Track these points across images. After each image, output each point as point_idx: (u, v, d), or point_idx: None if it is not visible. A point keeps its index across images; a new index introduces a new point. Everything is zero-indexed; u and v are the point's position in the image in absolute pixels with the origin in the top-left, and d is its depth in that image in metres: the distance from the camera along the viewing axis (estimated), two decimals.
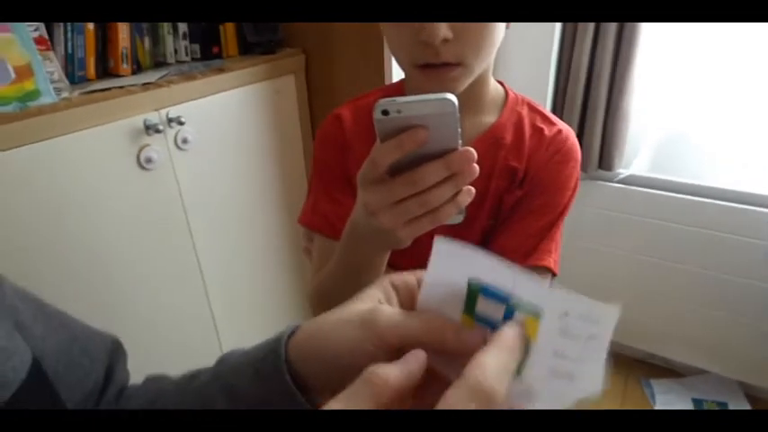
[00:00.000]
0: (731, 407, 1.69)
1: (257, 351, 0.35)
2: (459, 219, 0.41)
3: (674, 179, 1.54)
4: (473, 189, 0.40)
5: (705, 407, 1.70)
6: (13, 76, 0.81)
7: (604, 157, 1.52)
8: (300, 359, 0.32)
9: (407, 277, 0.33)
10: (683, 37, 1.42)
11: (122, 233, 0.97)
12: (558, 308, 0.28)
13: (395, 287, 0.33)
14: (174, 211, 1.06)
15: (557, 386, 0.29)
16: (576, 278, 1.74)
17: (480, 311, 0.29)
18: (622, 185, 1.57)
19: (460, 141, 0.37)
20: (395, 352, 0.29)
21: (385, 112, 0.35)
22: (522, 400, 0.28)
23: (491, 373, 0.24)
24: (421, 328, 0.29)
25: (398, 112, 0.35)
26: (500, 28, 0.54)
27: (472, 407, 0.22)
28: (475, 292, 0.29)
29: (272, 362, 0.32)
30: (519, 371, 0.28)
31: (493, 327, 0.29)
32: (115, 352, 0.41)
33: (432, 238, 0.47)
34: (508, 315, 0.29)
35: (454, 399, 0.22)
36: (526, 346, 0.28)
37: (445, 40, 0.50)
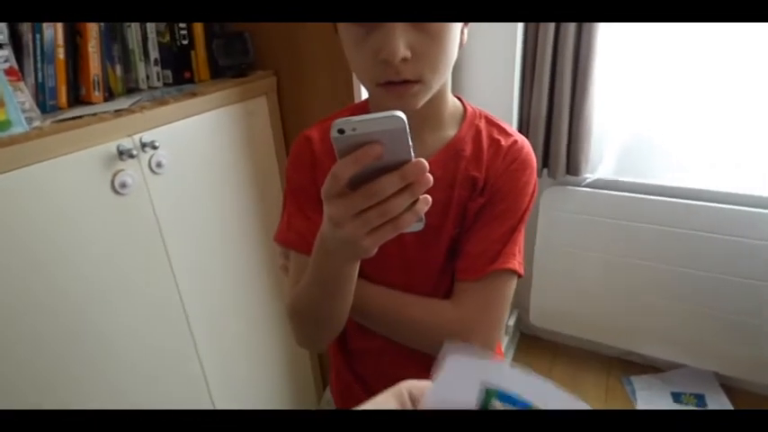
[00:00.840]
0: (708, 398, 1.74)
1: None
2: (419, 226, 0.44)
3: (638, 181, 1.61)
4: (429, 198, 0.43)
5: (683, 399, 1.75)
6: None
7: (571, 163, 1.58)
8: None
9: (425, 385, 0.32)
10: (640, 40, 1.50)
11: (98, 258, 0.97)
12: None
13: (411, 396, 0.32)
14: (151, 234, 1.07)
15: None
16: (550, 279, 1.79)
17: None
18: (590, 189, 1.64)
19: (413, 153, 0.41)
20: None
21: (341, 131, 0.38)
22: None
23: None
24: None
25: (353, 130, 0.38)
26: (455, 46, 0.58)
27: None
28: (491, 396, 0.29)
29: None
30: None
31: None
32: None
33: (396, 246, 0.49)
34: None
35: None
36: None
37: (404, 59, 0.53)
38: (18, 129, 0.86)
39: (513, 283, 0.67)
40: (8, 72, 0.87)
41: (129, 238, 1.02)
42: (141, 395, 1.10)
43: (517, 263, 0.66)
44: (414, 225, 0.43)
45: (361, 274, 0.67)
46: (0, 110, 0.84)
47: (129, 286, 1.04)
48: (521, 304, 1.98)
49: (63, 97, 1.04)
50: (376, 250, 0.46)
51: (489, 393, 0.29)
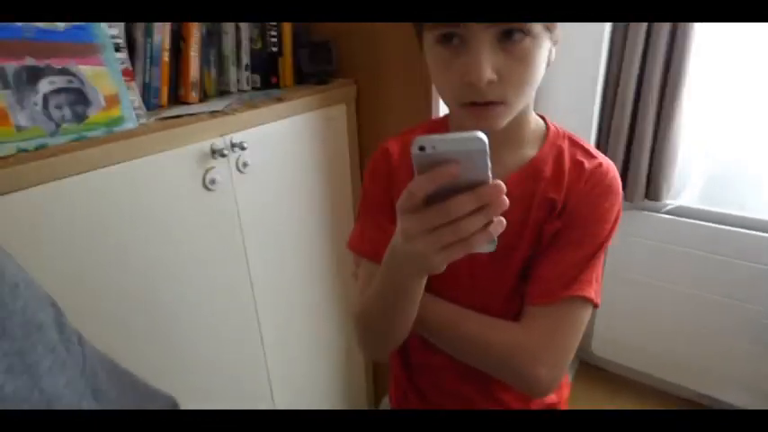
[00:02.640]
0: None
1: None
2: (491, 248, 0.44)
3: (723, 211, 1.50)
4: (504, 220, 0.43)
5: None
6: (103, 104, 0.89)
7: (651, 187, 1.51)
8: None
9: None
10: (732, 63, 1.41)
11: (183, 248, 1.03)
12: None
13: None
14: (232, 229, 1.12)
15: None
16: (618, 308, 1.71)
17: None
18: (670, 216, 1.55)
19: (491, 175, 0.41)
20: None
21: (421, 148, 0.39)
22: None
23: None
24: None
25: (434, 148, 0.39)
26: (541, 67, 0.57)
27: None
28: None
29: None
30: None
31: None
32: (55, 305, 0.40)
33: (467, 264, 0.49)
34: None
35: None
36: None
37: (489, 82, 0.53)
38: (129, 125, 0.93)
39: (587, 313, 0.64)
40: (124, 73, 0.95)
41: (213, 231, 1.08)
42: (206, 385, 1.15)
43: (593, 291, 0.63)
44: (486, 246, 0.43)
45: (429, 290, 0.67)
46: (116, 107, 0.91)
47: (206, 275, 1.09)
48: (584, 332, 1.89)
49: (164, 97, 1.12)
50: (445, 267, 0.46)
51: None
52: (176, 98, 1.16)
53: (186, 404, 1.09)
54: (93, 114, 0.88)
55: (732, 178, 1.52)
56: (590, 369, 1.95)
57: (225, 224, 1.11)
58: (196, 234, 1.05)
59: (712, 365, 1.63)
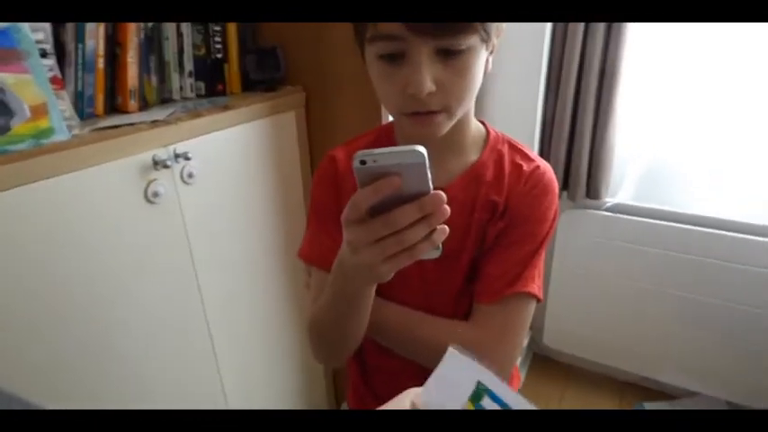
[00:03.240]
0: None
1: None
2: (436, 254, 0.46)
3: (658, 207, 1.61)
4: (446, 228, 0.45)
5: None
6: (28, 114, 0.83)
7: (592, 186, 1.59)
8: None
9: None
10: (665, 65, 1.51)
11: (128, 264, 0.98)
12: None
13: (413, 405, 0.37)
14: (179, 242, 1.08)
15: None
16: (566, 301, 1.79)
17: (482, 404, 0.36)
18: (609, 213, 1.64)
19: (432, 185, 0.42)
20: None
21: (363, 162, 0.40)
22: None
23: None
24: None
25: (374, 162, 0.40)
26: (478, 77, 0.60)
27: None
28: (482, 392, 0.36)
29: None
30: None
31: None
32: None
33: (416, 269, 0.50)
34: None
35: None
36: None
37: (430, 93, 0.55)
38: (60, 136, 0.87)
39: (531, 307, 0.68)
40: (52, 80, 0.89)
41: (159, 245, 1.04)
42: (160, 402, 1.10)
43: (536, 287, 0.66)
44: (430, 252, 0.45)
45: (381, 295, 0.69)
46: (44, 117, 0.85)
47: (154, 290, 1.05)
48: (534, 325, 1.97)
49: (100, 106, 1.06)
50: (392, 275, 0.48)
51: (480, 390, 0.35)
52: (114, 107, 1.10)
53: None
54: (18, 126, 0.82)
55: (663, 176, 1.63)
56: (542, 360, 2.03)
57: (171, 237, 1.06)
58: (140, 249, 1.00)
59: (651, 349, 1.74)
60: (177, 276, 1.09)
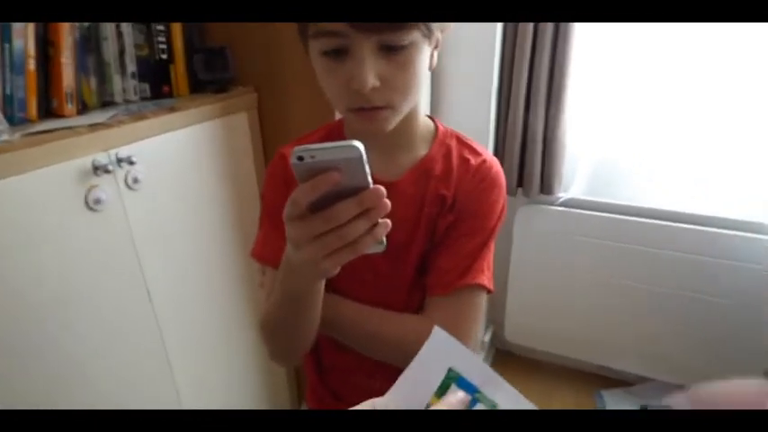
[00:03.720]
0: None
1: None
2: (380, 248, 0.45)
3: (609, 201, 1.67)
4: (389, 222, 0.45)
5: None
6: None
7: (545, 182, 1.63)
8: None
9: (388, 401, 0.38)
10: (614, 62, 1.57)
11: (71, 275, 0.93)
12: (508, 403, 0.35)
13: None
14: (125, 250, 1.03)
15: None
16: (525, 296, 1.83)
17: (449, 399, 0.36)
18: (562, 208, 1.69)
19: (371, 180, 0.42)
20: None
21: (300, 158, 0.39)
22: None
23: None
24: None
25: (312, 157, 0.39)
26: (422, 72, 0.60)
27: None
28: (451, 379, 0.36)
29: None
30: None
31: None
32: None
33: (366, 263, 0.50)
34: (472, 404, 0.36)
35: None
36: None
37: (374, 88, 0.55)
38: None
39: (482, 299, 0.69)
40: None
41: (104, 254, 0.99)
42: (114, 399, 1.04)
43: (486, 279, 0.68)
44: (374, 247, 0.45)
45: (333, 290, 0.68)
46: None
47: (102, 302, 0.99)
48: (496, 320, 2.00)
49: (33, 109, 0.99)
50: (338, 271, 0.48)
51: (449, 377, 0.36)
52: (49, 111, 1.04)
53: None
54: None
55: (612, 171, 1.69)
56: (505, 355, 2.06)
57: (116, 245, 1.01)
58: (84, 257, 0.95)
59: (608, 339, 1.80)
60: (125, 284, 1.04)
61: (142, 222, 1.05)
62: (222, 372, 1.37)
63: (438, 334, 0.37)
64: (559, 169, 1.61)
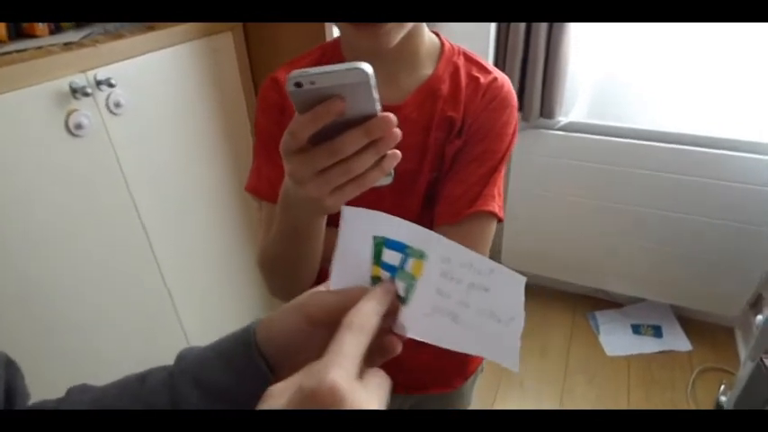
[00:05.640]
0: (664, 329, 1.87)
1: (226, 343, 0.38)
2: (387, 181, 0.42)
3: (610, 124, 1.63)
4: (398, 153, 0.41)
5: (642, 331, 1.88)
6: None
7: (545, 106, 1.58)
8: (262, 348, 0.37)
9: (333, 284, 0.39)
10: None
11: (57, 203, 0.92)
12: (440, 253, 0.36)
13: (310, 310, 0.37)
14: (112, 176, 1.01)
15: (441, 322, 0.36)
16: (522, 221, 1.84)
17: (385, 260, 0.36)
18: (563, 132, 1.65)
19: (379, 107, 0.37)
20: (327, 327, 0.34)
21: (298, 85, 0.34)
22: (407, 326, 0.36)
23: (362, 313, 0.32)
24: (338, 299, 0.35)
25: (312, 83, 0.34)
26: None
27: (350, 335, 0.30)
28: (380, 245, 0.36)
29: (243, 352, 0.37)
30: (405, 301, 0.36)
31: (394, 270, 0.37)
32: (10, 368, 0.39)
33: (371, 193, 0.49)
34: (404, 260, 0.36)
35: (339, 333, 0.30)
36: (411, 282, 0.36)
37: None
38: None
39: (492, 226, 0.66)
40: None
41: (90, 181, 0.97)
42: (111, 334, 1.09)
43: (497, 206, 0.65)
44: (381, 180, 0.41)
45: (335, 223, 0.66)
46: None
47: (92, 228, 1.00)
48: (493, 246, 2.02)
49: (1, 29, 0.93)
50: (340, 207, 0.44)
51: (378, 244, 0.36)
52: (19, 31, 0.98)
53: (100, 364, 1.03)
54: None
55: (615, 93, 1.63)
56: None
57: (103, 173, 0.99)
58: (69, 186, 0.93)
59: (602, 262, 1.83)
60: (117, 213, 1.04)
61: (128, 148, 1.02)
62: (220, 299, 1.39)
63: (348, 211, 0.37)
64: (560, 92, 1.55)
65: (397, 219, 0.36)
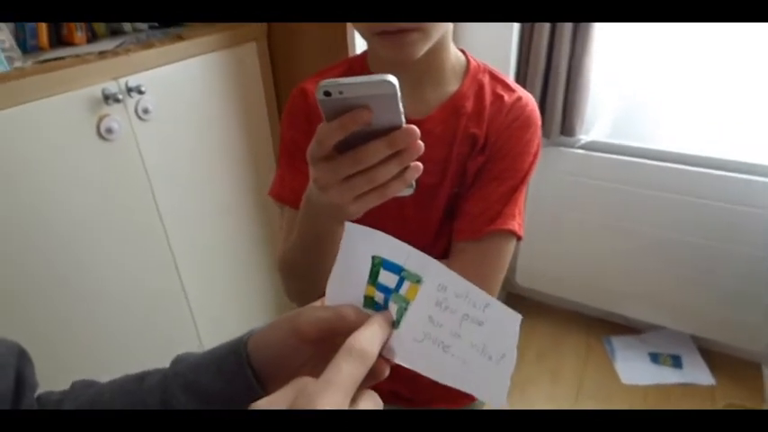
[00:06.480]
0: (684, 359, 1.80)
1: (219, 351, 0.40)
2: (409, 191, 0.43)
3: (632, 144, 1.60)
4: (420, 165, 0.42)
5: (660, 360, 1.82)
6: None
7: (566, 124, 1.56)
8: (252, 358, 0.38)
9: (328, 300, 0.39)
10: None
11: (85, 203, 0.98)
12: (437, 280, 0.36)
13: (299, 325, 0.38)
14: (138, 180, 1.07)
15: (431, 351, 0.35)
16: (538, 240, 1.81)
17: (381, 281, 0.36)
18: (583, 151, 1.63)
19: (404, 119, 0.39)
20: (316, 343, 0.35)
21: (327, 93, 0.36)
22: (396, 350, 0.36)
23: (363, 340, 0.31)
24: (329, 316, 0.36)
25: (340, 93, 0.36)
26: None
27: (349, 362, 0.29)
28: (378, 265, 0.36)
29: (233, 361, 0.38)
30: (396, 325, 0.36)
31: (388, 291, 0.36)
32: (22, 358, 0.42)
33: (392, 204, 0.50)
34: (399, 282, 0.36)
35: (338, 357, 0.29)
36: (404, 306, 0.36)
37: None
38: None
39: (511, 245, 0.66)
40: None
41: (117, 183, 1.02)
42: (131, 336, 1.13)
43: (517, 224, 0.64)
44: (403, 190, 0.43)
45: None
46: None
47: (116, 230, 1.05)
48: (509, 264, 2.00)
49: (44, 37, 1.01)
50: (362, 214, 0.46)
51: (376, 264, 0.36)
52: (60, 39, 1.05)
53: (110, 361, 1.07)
54: None
55: (639, 112, 1.60)
56: (515, 299, 2.09)
57: (130, 176, 1.05)
58: (97, 189, 0.99)
59: (620, 286, 1.79)
60: (140, 216, 1.09)
61: (154, 153, 1.07)
62: (237, 303, 1.43)
63: (351, 228, 0.37)
64: (582, 109, 1.53)
65: (398, 241, 0.36)
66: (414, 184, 0.43)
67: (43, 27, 1.00)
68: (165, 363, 0.42)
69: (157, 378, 0.40)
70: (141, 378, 0.41)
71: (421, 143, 0.40)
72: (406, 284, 0.36)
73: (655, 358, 1.83)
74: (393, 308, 0.36)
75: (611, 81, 1.57)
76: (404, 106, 0.38)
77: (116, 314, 1.08)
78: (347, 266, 0.37)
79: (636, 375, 1.77)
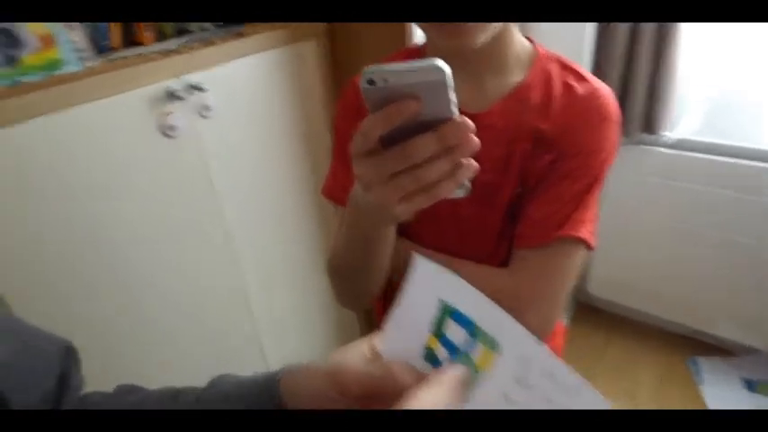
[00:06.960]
0: None
1: (251, 386, 0.39)
2: (461, 193, 0.38)
3: (724, 142, 1.41)
4: (475, 164, 0.37)
5: (758, 389, 1.60)
6: (37, 45, 0.83)
7: (650, 120, 1.41)
8: (284, 402, 0.37)
9: (382, 348, 0.37)
10: None
11: (147, 199, 1.00)
12: (517, 349, 0.30)
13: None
14: (200, 177, 1.08)
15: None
16: (615, 246, 1.66)
17: (447, 334, 0.32)
18: (667, 150, 1.46)
19: (456, 111, 0.34)
20: (359, 399, 0.33)
21: (371, 82, 0.33)
22: None
23: (420, 406, 0.28)
24: (379, 376, 0.33)
25: (385, 81, 0.32)
26: None
27: None
28: (446, 314, 0.32)
29: (265, 400, 0.37)
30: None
31: (454, 350, 0.32)
32: (68, 358, 0.41)
33: (447, 206, 0.44)
34: (469, 343, 0.31)
35: None
36: (473, 376, 0.31)
37: None
38: (71, 67, 0.87)
39: (580, 255, 0.59)
40: None
41: (179, 180, 1.04)
42: (190, 337, 1.15)
43: (587, 232, 0.57)
44: (455, 192, 0.37)
45: (407, 234, 0.63)
46: (52, 48, 0.85)
47: (177, 228, 1.06)
48: (579, 272, 1.86)
49: (116, 38, 1.04)
50: (410, 216, 0.41)
51: (444, 312, 0.32)
52: (130, 39, 1.08)
53: (171, 366, 1.10)
54: (27, 57, 0.82)
55: (733, 107, 1.41)
56: (586, 309, 1.93)
57: (191, 173, 1.06)
58: (159, 185, 1.01)
59: (708, 301, 1.60)
60: (200, 213, 1.10)
61: (215, 150, 1.08)
62: (295, 301, 1.42)
63: (420, 262, 0.32)
64: (668, 104, 1.37)
65: (473, 289, 0.31)
66: (468, 184, 0.37)
67: (115, 28, 1.03)
68: (224, 368, 0.42)
69: (190, 400, 0.39)
70: (176, 395, 0.40)
71: (475, 139, 0.35)
72: (478, 348, 0.31)
73: (751, 386, 1.61)
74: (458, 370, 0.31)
75: (701, 71, 1.40)
76: (456, 97, 0.34)
77: (175, 313, 1.10)
78: (409, 308, 0.33)
79: (726, 402, 1.56)
